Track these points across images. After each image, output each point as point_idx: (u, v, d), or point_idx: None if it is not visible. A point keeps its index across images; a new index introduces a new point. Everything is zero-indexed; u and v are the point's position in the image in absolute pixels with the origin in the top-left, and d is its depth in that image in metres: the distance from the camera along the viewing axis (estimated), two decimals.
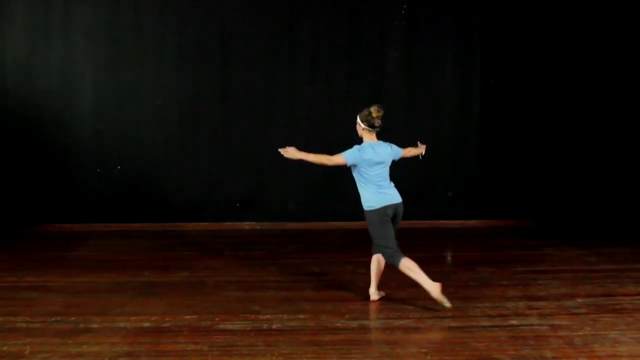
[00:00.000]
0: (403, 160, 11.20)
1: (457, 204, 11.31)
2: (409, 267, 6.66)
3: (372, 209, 6.72)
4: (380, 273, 7.05)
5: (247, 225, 11.10)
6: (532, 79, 11.29)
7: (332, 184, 11.06)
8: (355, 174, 6.83)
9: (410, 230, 10.73)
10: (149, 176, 11.03)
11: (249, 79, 11.07)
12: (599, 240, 10.06)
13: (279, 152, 6.78)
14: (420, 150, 7.43)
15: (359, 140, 6.84)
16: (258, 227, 11.03)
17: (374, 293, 7.06)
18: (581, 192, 11.36)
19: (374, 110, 6.71)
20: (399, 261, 6.67)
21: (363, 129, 6.80)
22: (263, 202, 11.16)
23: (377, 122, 6.70)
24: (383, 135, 11.10)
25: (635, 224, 10.97)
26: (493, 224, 11.20)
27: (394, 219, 6.83)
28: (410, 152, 7.31)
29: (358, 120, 6.80)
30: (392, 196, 6.80)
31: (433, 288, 6.61)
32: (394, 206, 6.79)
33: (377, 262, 7.03)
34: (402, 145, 7.18)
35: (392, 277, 7.41)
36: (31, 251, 9.41)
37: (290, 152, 6.82)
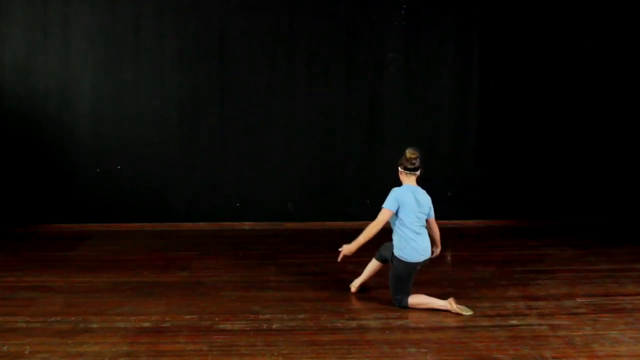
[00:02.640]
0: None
1: (456, 203, 11.30)
2: (418, 304, 6.72)
3: (404, 259, 6.70)
4: (372, 275, 7.17)
5: (246, 225, 11.09)
6: (531, 79, 11.30)
7: (331, 183, 11.08)
8: (392, 219, 6.75)
9: None
10: (148, 176, 11.02)
11: (248, 79, 11.06)
12: (597, 240, 10.07)
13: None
14: (437, 246, 7.12)
15: (398, 182, 6.89)
16: (257, 227, 11.03)
17: (354, 286, 7.23)
18: (580, 192, 11.37)
19: (408, 152, 6.72)
20: (406, 303, 6.73)
21: (401, 172, 6.81)
22: (262, 202, 11.16)
23: (410, 165, 6.69)
24: (382, 135, 11.15)
25: (634, 224, 10.98)
26: (492, 223, 11.20)
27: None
28: (435, 232, 7.06)
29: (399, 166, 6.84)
30: (426, 254, 6.75)
31: (447, 305, 6.64)
32: (424, 260, 6.79)
33: (374, 265, 7.14)
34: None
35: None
36: (30, 251, 9.40)
37: (347, 250, 6.82)
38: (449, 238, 10.44)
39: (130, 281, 7.84)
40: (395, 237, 6.75)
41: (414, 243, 6.65)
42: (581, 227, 10.93)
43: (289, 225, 11.09)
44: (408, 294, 6.73)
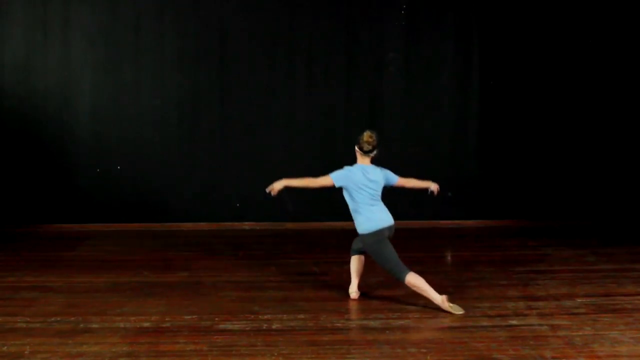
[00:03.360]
0: (402, 161, 11.24)
1: (455, 204, 11.31)
2: (415, 284, 6.76)
3: (366, 232, 6.81)
4: (360, 272, 7.17)
5: (246, 225, 11.10)
6: (531, 79, 11.30)
7: None
8: (346, 196, 6.93)
9: (408, 230, 10.76)
10: (148, 176, 11.02)
11: (248, 79, 11.07)
12: (597, 240, 10.07)
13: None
14: (427, 184, 7.38)
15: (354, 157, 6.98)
16: (257, 227, 11.03)
17: (354, 292, 7.15)
18: (580, 192, 11.37)
19: (365, 134, 6.88)
20: (405, 278, 6.75)
21: (356, 151, 6.95)
22: (262, 202, 11.14)
23: (366, 147, 6.85)
24: (382, 135, 11.12)
25: (634, 224, 10.98)
26: (492, 224, 11.20)
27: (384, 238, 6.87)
28: (411, 182, 7.30)
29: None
30: (385, 219, 6.88)
31: (439, 301, 6.67)
32: (389, 228, 6.89)
33: (356, 261, 7.17)
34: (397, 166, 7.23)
35: (392, 277, 7.41)
36: (30, 251, 9.41)
37: (276, 186, 6.99)
38: (448, 238, 10.48)
39: (130, 281, 7.84)
40: (354, 217, 6.90)
41: (369, 214, 6.79)
42: (581, 227, 10.94)
43: (289, 225, 11.09)
44: (406, 269, 6.78)
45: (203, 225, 11.00)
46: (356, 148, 6.92)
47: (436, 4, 11.25)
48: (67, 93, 10.92)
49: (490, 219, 11.28)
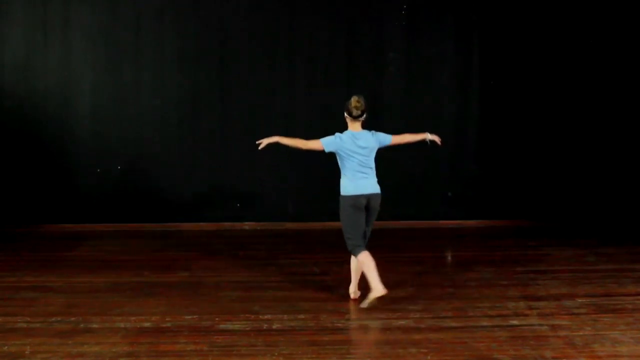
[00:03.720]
0: (402, 161, 11.27)
1: (456, 203, 11.31)
2: (364, 262, 6.72)
3: (345, 194, 6.87)
4: (360, 272, 7.02)
5: (246, 225, 11.09)
6: (532, 79, 11.29)
7: (330, 184, 11.05)
8: (339, 162, 6.97)
9: (409, 230, 10.78)
10: (148, 176, 11.02)
11: (248, 79, 11.07)
12: (597, 240, 10.06)
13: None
14: (423, 136, 7.31)
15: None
16: (258, 227, 11.03)
17: (353, 292, 7.12)
18: (580, 192, 11.36)
19: (353, 99, 6.91)
20: (357, 253, 6.78)
21: (346, 117, 6.99)
22: (263, 203, 11.16)
23: (355, 112, 6.86)
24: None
25: (634, 224, 10.97)
26: (492, 224, 11.20)
27: (367, 210, 6.89)
28: (406, 138, 7.25)
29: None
30: (368, 186, 6.88)
31: (377, 289, 6.65)
32: (369, 196, 6.86)
33: (356, 261, 7.04)
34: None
35: (392, 277, 7.41)
36: (30, 251, 9.41)
37: (265, 141, 7.23)
38: (448, 238, 10.48)
39: (131, 281, 7.84)
40: (341, 180, 6.95)
41: (354, 179, 6.84)
42: (581, 228, 10.93)
43: (289, 225, 11.09)
44: (360, 244, 6.82)
45: (203, 226, 11.00)
46: (345, 114, 6.96)
47: (436, 4, 11.25)
48: (67, 93, 10.92)
49: (490, 219, 11.27)
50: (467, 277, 7.99)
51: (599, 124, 11.34)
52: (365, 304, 6.70)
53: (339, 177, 6.95)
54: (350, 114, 6.92)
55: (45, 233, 10.56)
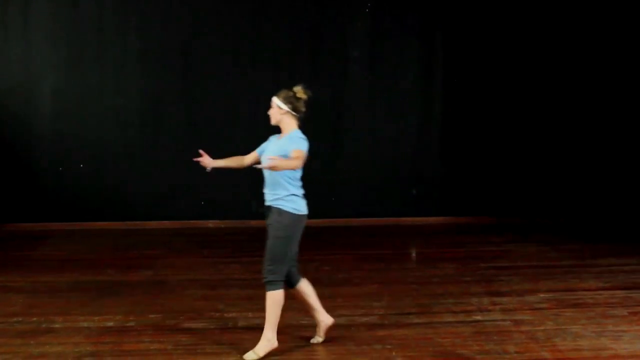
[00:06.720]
0: (366, 159, 11.32)
1: (419, 201, 11.36)
2: (280, 301, 5.51)
3: (299, 213, 5.53)
4: (312, 297, 5.83)
5: (211, 223, 11.04)
6: (495, 77, 11.36)
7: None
8: (286, 171, 5.48)
9: (372, 227, 10.81)
10: (111, 175, 10.91)
11: (211, 78, 11.00)
12: (559, 236, 10.19)
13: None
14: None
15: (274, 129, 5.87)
16: (222, 225, 10.98)
17: (326, 318, 5.88)
18: (542, 189, 11.47)
19: (298, 90, 5.64)
20: (279, 288, 5.48)
21: (284, 113, 5.64)
22: (227, 201, 11.11)
23: (303, 107, 5.63)
24: (346, 133, 11.12)
25: (595, 220, 11.12)
26: (455, 220, 11.27)
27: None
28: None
29: (277, 102, 5.68)
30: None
31: (273, 339, 5.52)
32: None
33: (301, 292, 5.80)
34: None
35: (355, 274, 7.44)
36: None
37: (275, 162, 5.25)
38: (411, 235, 10.53)
39: (94, 280, 7.77)
40: (287, 192, 5.49)
41: (300, 193, 5.59)
42: (543, 224, 11.05)
43: (254, 223, 11.05)
44: (282, 281, 5.50)
45: (167, 224, 10.92)
46: (286, 108, 5.61)
47: (400, 3, 11.27)
48: (28, 92, 10.77)
49: (453, 216, 11.34)
50: (431, 274, 8.05)
51: (560, 120, 11.44)
52: (250, 355, 5.47)
53: (305, 174, 6.64)
54: (296, 110, 5.63)
55: (6, 232, 10.40)
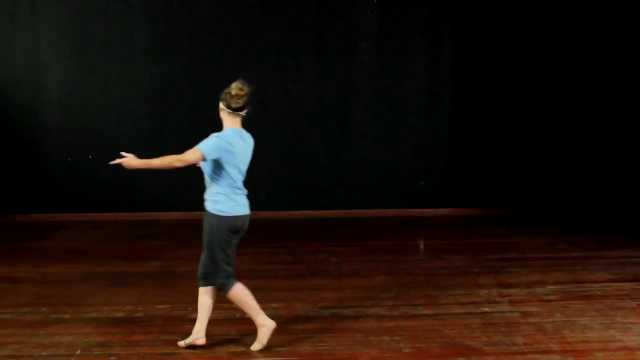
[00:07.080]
0: (374, 150, 11.30)
1: (427, 192, 11.35)
2: (241, 296, 5.46)
3: (221, 214, 5.38)
4: (211, 310, 5.60)
5: None
6: (503, 68, 11.34)
7: (300, 173, 11.06)
8: (209, 167, 5.51)
9: (381, 219, 10.80)
10: (120, 166, 10.91)
11: (218, 68, 10.99)
12: (567, 228, 10.17)
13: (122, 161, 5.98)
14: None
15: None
16: None
17: (200, 337, 5.56)
18: (549, 181, 11.45)
19: (235, 87, 5.45)
20: (230, 288, 5.43)
21: (221, 111, 5.56)
22: None
23: (236, 102, 5.42)
24: (353, 124, 11.07)
25: (604, 212, 11.10)
26: (464, 212, 11.26)
27: (237, 232, 5.56)
28: None
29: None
30: (246, 205, 5.56)
31: (269, 323, 5.48)
32: (244, 218, 5.56)
33: (208, 295, 5.58)
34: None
35: (364, 266, 7.44)
36: (1, 241, 9.30)
37: (127, 161, 5.72)
38: (420, 227, 10.53)
39: (103, 271, 7.79)
40: (213, 191, 5.47)
41: (235, 197, 5.45)
42: (552, 216, 11.03)
43: (261, 214, 11.04)
44: (232, 277, 5.45)
45: (176, 215, 10.94)
46: (221, 106, 5.50)
47: None
48: (36, 83, 10.79)
49: (462, 208, 11.33)
50: (439, 265, 8.05)
51: (570, 111, 11.42)
52: (256, 346, 5.49)
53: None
54: (229, 107, 5.44)
55: (16, 223, 10.45)
